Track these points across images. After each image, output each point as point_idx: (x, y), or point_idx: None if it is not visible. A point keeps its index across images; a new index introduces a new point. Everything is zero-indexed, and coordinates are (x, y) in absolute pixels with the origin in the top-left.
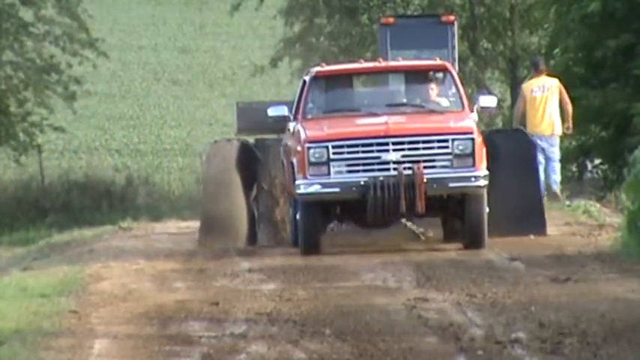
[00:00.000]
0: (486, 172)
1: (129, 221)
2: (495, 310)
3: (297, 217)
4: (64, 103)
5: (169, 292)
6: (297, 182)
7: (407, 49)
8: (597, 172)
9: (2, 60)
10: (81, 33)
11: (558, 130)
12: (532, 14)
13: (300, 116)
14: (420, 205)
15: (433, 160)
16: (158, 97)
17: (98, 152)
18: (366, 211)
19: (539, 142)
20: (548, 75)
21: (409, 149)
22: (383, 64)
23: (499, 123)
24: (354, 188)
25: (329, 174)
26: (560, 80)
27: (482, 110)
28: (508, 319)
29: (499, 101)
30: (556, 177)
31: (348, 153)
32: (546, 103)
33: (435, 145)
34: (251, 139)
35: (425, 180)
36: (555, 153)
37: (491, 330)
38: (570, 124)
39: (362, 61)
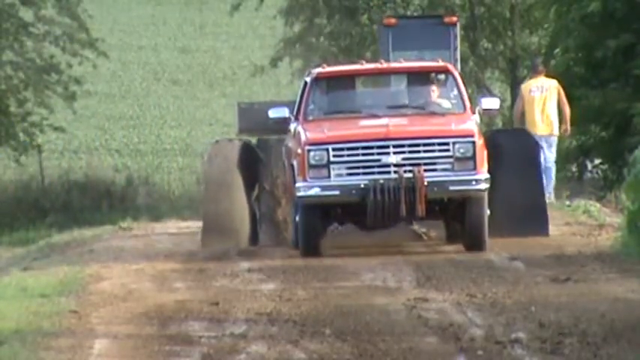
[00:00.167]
0: (487, 175)
1: (129, 221)
2: (495, 310)
3: (297, 219)
4: (64, 103)
5: (169, 292)
6: (297, 185)
7: (409, 50)
8: (597, 172)
9: (2, 60)
10: (81, 33)
11: (556, 131)
12: (532, 14)
13: (301, 117)
14: (421, 209)
15: (434, 163)
16: (158, 97)
17: (98, 152)
18: (366, 214)
19: None
20: (547, 76)
21: (410, 152)
22: (384, 65)
23: (499, 123)
24: (353, 191)
25: (329, 177)
26: (559, 82)
27: (485, 112)
28: (508, 319)
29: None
30: (551, 181)
31: (349, 155)
32: (544, 103)
33: (436, 147)
34: (253, 139)
35: (425, 183)
36: (552, 154)
37: (491, 330)
38: (568, 127)
39: (363, 62)
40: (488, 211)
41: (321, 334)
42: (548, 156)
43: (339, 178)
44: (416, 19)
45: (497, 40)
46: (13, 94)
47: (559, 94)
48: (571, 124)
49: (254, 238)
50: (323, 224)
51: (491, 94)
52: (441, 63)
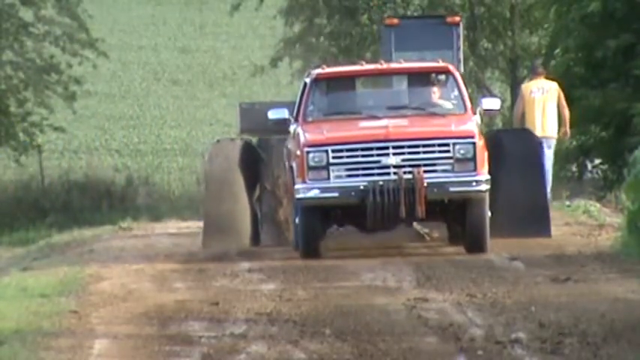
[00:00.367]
0: (488, 177)
1: (129, 221)
2: (495, 310)
3: (297, 221)
4: (64, 103)
5: (169, 292)
6: (296, 187)
7: (411, 51)
8: (597, 172)
9: (2, 60)
10: (81, 33)
11: (555, 133)
12: (532, 14)
13: (300, 119)
14: (420, 210)
15: (434, 165)
16: (158, 97)
17: (98, 152)
18: (366, 216)
19: None
20: (547, 78)
21: (409, 153)
22: (384, 66)
23: (499, 123)
24: (353, 193)
25: (328, 178)
26: (559, 84)
27: (486, 113)
28: (508, 319)
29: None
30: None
31: (348, 157)
32: (544, 105)
33: (436, 149)
34: (254, 139)
35: (425, 184)
36: (550, 156)
37: (491, 330)
38: (567, 129)
39: (363, 62)
40: (489, 213)
41: (321, 334)
42: (547, 158)
43: (339, 179)
44: (418, 20)
45: (497, 40)
46: (13, 94)
47: (559, 96)
48: (571, 125)
49: (255, 238)
50: (323, 226)
51: (492, 94)
52: (441, 63)
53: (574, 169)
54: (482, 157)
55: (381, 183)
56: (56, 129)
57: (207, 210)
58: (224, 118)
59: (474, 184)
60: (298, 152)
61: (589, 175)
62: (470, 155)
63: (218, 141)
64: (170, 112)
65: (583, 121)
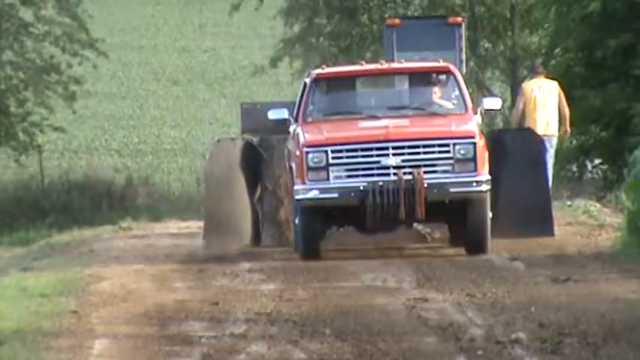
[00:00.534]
0: (488, 177)
1: (129, 221)
2: (495, 310)
3: (296, 222)
4: (64, 103)
5: (169, 292)
6: (295, 187)
7: (413, 51)
8: (597, 172)
9: (2, 60)
10: (81, 33)
11: (555, 132)
12: (532, 14)
13: (300, 119)
14: (420, 211)
15: (434, 165)
16: (158, 97)
17: (98, 152)
18: (366, 217)
19: None
20: (547, 77)
21: (409, 154)
22: (385, 66)
23: (499, 123)
24: (352, 194)
25: (328, 179)
26: (559, 83)
27: (487, 113)
28: (508, 319)
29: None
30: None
31: (348, 158)
32: (545, 103)
33: (436, 149)
34: (255, 139)
35: (425, 185)
36: (551, 155)
37: (491, 330)
38: (567, 128)
39: (363, 63)
40: (490, 214)
41: (321, 334)
42: (548, 157)
43: (338, 180)
44: (420, 20)
45: (498, 40)
46: (13, 94)
47: (559, 95)
48: (571, 124)
49: (256, 238)
50: (322, 227)
51: (492, 94)
52: (442, 63)
53: (574, 169)
54: (483, 157)
55: (380, 184)
56: (56, 129)
57: (207, 210)
58: (224, 118)
59: (475, 184)
60: (298, 153)
61: (589, 175)
62: (470, 155)
63: (218, 141)
64: (170, 112)
65: (583, 121)
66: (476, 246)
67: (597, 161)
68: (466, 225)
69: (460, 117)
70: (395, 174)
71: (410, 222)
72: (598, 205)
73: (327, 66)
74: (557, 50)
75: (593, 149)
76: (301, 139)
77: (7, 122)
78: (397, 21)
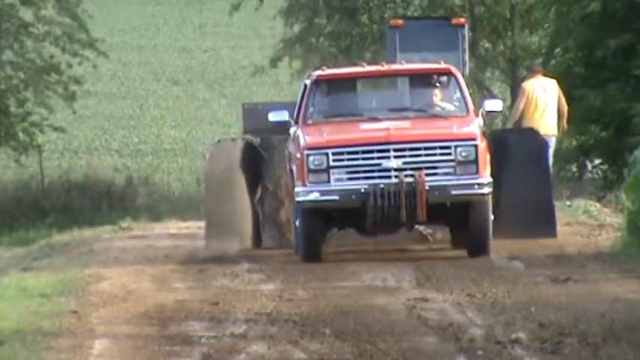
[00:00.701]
0: (490, 179)
1: (129, 221)
2: (495, 310)
3: (297, 224)
4: (64, 103)
5: (169, 292)
6: (296, 189)
7: (416, 52)
8: (597, 172)
9: (2, 60)
10: (81, 33)
11: (556, 131)
12: (532, 14)
13: (300, 121)
14: (421, 214)
15: (435, 167)
16: (158, 97)
17: (98, 152)
18: (367, 220)
19: None
20: (545, 75)
21: (411, 156)
22: (386, 67)
23: (499, 123)
24: (353, 196)
25: (329, 181)
26: (557, 82)
27: (488, 115)
28: (508, 319)
29: None
30: None
31: (348, 160)
32: (546, 103)
33: (437, 151)
34: (256, 139)
35: (426, 187)
36: (550, 155)
37: (491, 330)
38: (564, 123)
39: (364, 64)
40: (492, 216)
41: (321, 334)
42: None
43: (339, 182)
44: (423, 21)
45: (498, 40)
46: (13, 94)
47: (559, 94)
48: (571, 124)
49: (257, 240)
50: (323, 229)
51: (492, 94)
52: (443, 65)
53: (574, 169)
54: (485, 159)
55: (382, 186)
56: (56, 129)
57: (208, 211)
58: (224, 118)
59: (476, 187)
60: (298, 155)
61: (589, 175)
62: (472, 158)
63: (219, 141)
64: (170, 112)
65: (583, 121)
66: (478, 248)
67: (597, 161)
68: (468, 227)
69: (461, 119)
70: (396, 176)
71: (411, 224)
72: (598, 205)
73: (328, 67)
74: (557, 50)
75: (593, 149)
76: (302, 142)
77: (7, 122)
78: (400, 22)
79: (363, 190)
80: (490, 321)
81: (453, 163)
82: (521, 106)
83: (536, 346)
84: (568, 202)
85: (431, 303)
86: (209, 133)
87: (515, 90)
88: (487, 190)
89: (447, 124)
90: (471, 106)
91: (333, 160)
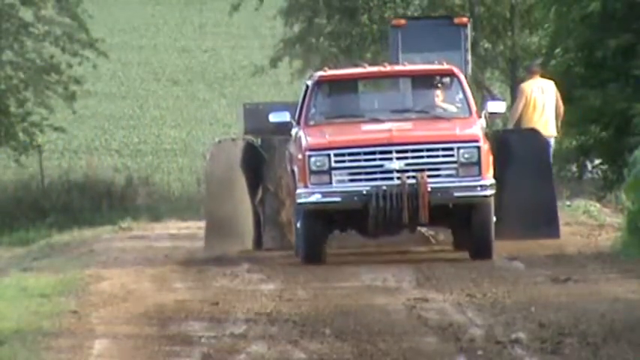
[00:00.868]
0: (493, 181)
1: (129, 221)
2: (495, 310)
3: (298, 226)
4: (64, 103)
5: (169, 292)
6: (297, 191)
7: (418, 52)
8: (597, 172)
9: (2, 60)
10: (81, 33)
11: (554, 132)
12: (532, 14)
13: (302, 122)
14: (424, 215)
15: (438, 169)
16: (158, 97)
17: (98, 152)
18: (369, 221)
19: None
20: (542, 76)
21: (413, 157)
22: (387, 68)
23: (499, 123)
24: (355, 198)
25: (330, 183)
26: (555, 82)
27: (491, 116)
28: (508, 319)
29: None
30: None
31: (350, 161)
32: (544, 104)
33: (440, 153)
34: (257, 139)
35: (429, 189)
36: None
37: (491, 330)
38: (558, 124)
39: (366, 65)
40: (494, 218)
41: (321, 334)
42: None
43: (341, 184)
44: (426, 20)
45: (498, 40)
46: (13, 94)
47: (556, 95)
48: (571, 124)
49: (258, 241)
50: (324, 231)
51: (492, 94)
52: (445, 66)
53: (574, 169)
54: (487, 161)
55: (384, 188)
56: (56, 129)
57: (208, 212)
58: (224, 118)
59: (479, 188)
60: (300, 156)
61: (589, 175)
62: (474, 159)
63: (219, 141)
64: (170, 112)
65: (583, 121)
66: (480, 250)
67: (597, 161)
68: (470, 229)
69: (464, 120)
70: (398, 178)
71: (413, 226)
72: (598, 205)
73: (329, 68)
74: (557, 50)
75: (593, 149)
76: (303, 143)
77: (7, 122)
78: (402, 22)
79: (365, 192)
80: (490, 321)
81: (455, 165)
82: (520, 107)
83: (536, 346)
84: (568, 202)
85: (431, 303)
86: (209, 133)
87: (515, 90)
88: (490, 192)
89: (449, 125)
90: (474, 108)
91: (335, 162)
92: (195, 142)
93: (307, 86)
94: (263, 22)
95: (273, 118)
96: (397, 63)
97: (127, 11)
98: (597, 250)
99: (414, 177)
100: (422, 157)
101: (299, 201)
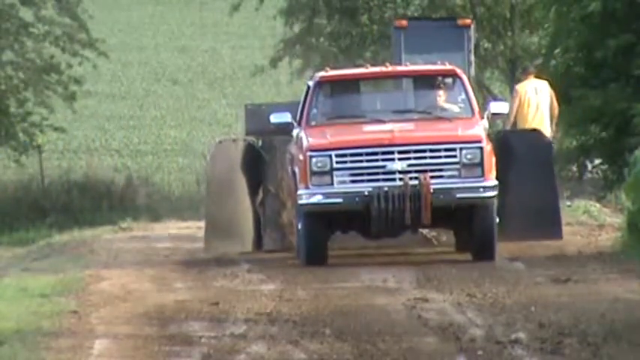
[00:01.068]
0: (495, 182)
1: (129, 221)
2: (495, 310)
3: (299, 227)
4: (64, 103)
5: (169, 292)
6: (299, 192)
7: (421, 53)
8: (597, 172)
9: (2, 60)
10: (81, 33)
11: (549, 132)
12: (532, 14)
13: (303, 123)
14: (426, 217)
15: (440, 170)
16: (158, 97)
17: (98, 152)
18: (370, 223)
19: None
20: (537, 77)
21: (415, 158)
22: (389, 68)
23: (500, 124)
24: (357, 199)
25: (332, 184)
26: (550, 83)
27: (494, 117)
28: (508, 319)
29: None
30: None
31: (352, 162)
32: (539, 105)
33: (442, 154)
34: (257, 140)
35: (431, 190)
36: None
37: (491, 330)
38: (554, 125)
39: (368, 65)
40: (497, 219)
41: (321, 334)
42: None
43: (343, 185)
44: (429, 21)
45: (498, 40)
46: (13, 94)
47: (551, 96)
48: (571, 124)
49: (258, 242)
50: (326, 233)
51: (492, 94)
52: (448, 66)
53: (574, 169)
54: (490, 162)
55: (386, 189)
56: (56, 129)
57: (208, 213)
58: (224, 118)
59: (482, 190)
60: (301, 157)
61: (589, 175)
62: (477, 160)
63: (220, 142)
64: (170, 112)
65: (583, 121)
66: (483, 252)
67: (597, 161)
68: (472, 231)
69: (467, 121)
70: (400, 179)
71: (415, 227)
72: (598, 205)
73: (331, 68)
74: (557, 50)
75: (593, 149)
76: (305, 143)
77: (7, 122)
78: (405, 22)
79: (366, 193)
80: (490, 321)
81: (458, 166)
82: (515, 108)
83: (536, 346)
84: (568, 202)
85: (431, 303)
86: (209, 133)
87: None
88: (492, 193)
89: (451, 126)
90: (476, 108)
91: (337, 163)
92: (195, 142)
93: (308, 87)
94: (263, 22)
95: (274, 118)
96: (400, 64)
97: (127, 11)
98: (597, 250)
99: (416, 178)
100: (424, 158)
101: (300, 202)
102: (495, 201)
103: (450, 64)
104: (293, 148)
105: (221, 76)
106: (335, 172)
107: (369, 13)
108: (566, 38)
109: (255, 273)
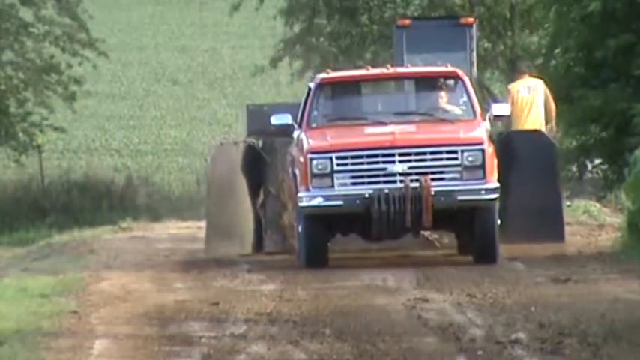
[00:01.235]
0: (497, 185)
1: (129, 221)
2: (495, 310)
3: (300, 230)
4: (64, 103)
5: (169, 293)
6: (299, 195)
7: (424, 53)
8: (597, 172)
9: (2, 60)
10: (81, 33)
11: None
12: (532, 14)
13: (304, 125)
14: (427, 219)
15: (442, 172)
16: (158, 97)
17: (98, 152)
18: (371, 225)
19: None
20: (531, 75)
21: (416, 161)
22: (391, 70)
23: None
24: (358, 201)
25: (332, 186)
26: (545, 82)
27: (496, 119)
28: (508, 319)
29: None
30: None
31: (353, 164)
32: (532, 104)
33: (444, 156)
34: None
35: (432, 193)
36: None
37: (491, 330)
38: (554, 125)
39: (369, 67)
40: (499, 221)
41: (321, 334)
42: None
43: (343, 187)
44: (431, 20)
45: (498, 40)
46: (13, 94)
47: (545, 93)
48: (571, 124)
49: (259, 244)
50: (326, 235)
51: (491, 94)
52: (449, 68)
53: (574, 169)
54: (492, 164)
55: (386, 191)
56: (56, 129)
57: (209, 215)
58: (224, 118)
59: (483, 192)
60: (302, 159)
61: (589, 175)
62: (479, 163)
63: (221, 144)
64: (170, 112)
65: (583, 121)
66: (484, 255)
67: (597, 161)
68: (474, 234)
69: (468, 123)
70: (401, 181)
71: (416, 230)
72: (598, 205)
73: (332, 70)
74: (557, 50)
75: (593, 149)
76: (305, 145)
77: (7, 122)
78: (407, 22)
79: (367, 196)
80: (490, 321)
81: (459, 168)
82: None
83: (536, 346)
84: (568, 202)
85: (431, 303)
86: (209, 133)
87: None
88: (494, 195)
89: (453, 128)
90: (478, 110)
91: (337, 165)
92: (195, 142)
93: (309, 88)
94: (263, 22)
95: (275, 120)
96: (402, 64)
97: (127, 11)
98: (597, 250)
99: (417, 180)
100: (425, 160)
101: (301, 205)
102: (497, 203)
103: (451, 64)
104: (294, 150)
105: (221, 76)
106: (335, 175)
107: (369, 13)
108: (566, 38)
109: (255, 273)
